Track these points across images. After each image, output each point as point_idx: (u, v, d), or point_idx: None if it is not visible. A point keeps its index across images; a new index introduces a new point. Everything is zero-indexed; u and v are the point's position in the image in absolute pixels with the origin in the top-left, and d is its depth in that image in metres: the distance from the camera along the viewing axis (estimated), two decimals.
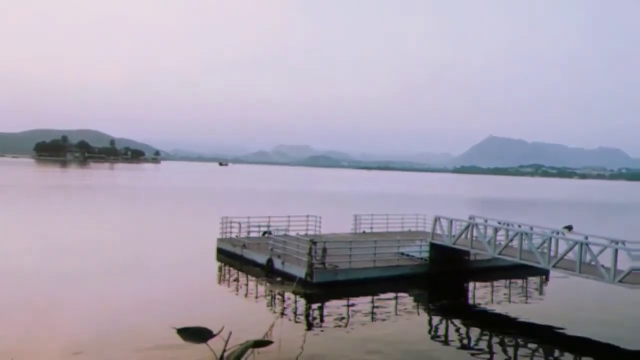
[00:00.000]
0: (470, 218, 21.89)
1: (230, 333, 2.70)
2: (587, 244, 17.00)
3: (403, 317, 16.61)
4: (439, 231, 22.33)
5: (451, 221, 21.94)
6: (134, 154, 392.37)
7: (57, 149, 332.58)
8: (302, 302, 17.72)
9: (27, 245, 26.50)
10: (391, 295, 19.28)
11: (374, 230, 30.89)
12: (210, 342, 3.19)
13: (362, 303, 18.10)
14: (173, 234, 33.27)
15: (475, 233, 20.77)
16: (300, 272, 19.48)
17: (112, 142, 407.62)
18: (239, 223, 25.85)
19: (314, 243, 19.59)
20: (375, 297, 18.83)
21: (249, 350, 3.08)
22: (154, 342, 12.56)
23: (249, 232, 25.96)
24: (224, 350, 2.91)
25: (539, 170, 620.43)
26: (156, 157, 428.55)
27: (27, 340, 12.55)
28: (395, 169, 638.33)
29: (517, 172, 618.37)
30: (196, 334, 3.14)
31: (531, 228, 21.37)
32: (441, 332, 15.71)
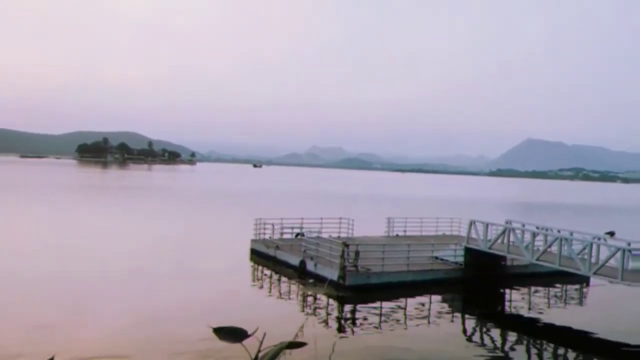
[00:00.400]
0: (506, 222, 21.42)
1: (265, 334, 2.73)
2: (629, 251, 16.37)
3: (437, 322, 16.39)
4: (474, 235, 21.93)
5: (487, 225, 21.51)
6: (171, 156, 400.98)
7: (98, 151, 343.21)
8: (334, 305, 17.71)
9: (61, 247, 27.44)
10: (425, 299, 19.05)
11: (408, 233, 30.59)
12: (245, 342, 3.22)
13: (395, 307, 17.96)
14: (208, 234, 33.84)
15: (512, 238, 20.29)
16: (332, 274, 19.49)
17: (150, 143, 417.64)
18: (272, 224, 26.06)
19: (347, 245, 19.56)
20: (409, 301, 18.64)
21: (283, 351, 3.09)
22: (190, 341, 12.79)
23: (282, 234, 26.15)
24: (259, 351, 2.93)
25: (579, 174, 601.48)
26: (192, 158, 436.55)
27: (69, 342, 12.96)
28: (429, 172, 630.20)
29: (556, 175, 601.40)
30: (231, 334, 3.16)
31: (571, 233, 20.71)
32: (476, 338, 15.42)
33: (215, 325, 3.24)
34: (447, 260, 22.23)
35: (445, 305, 19.12)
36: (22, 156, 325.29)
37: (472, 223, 22.01)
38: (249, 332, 3.19)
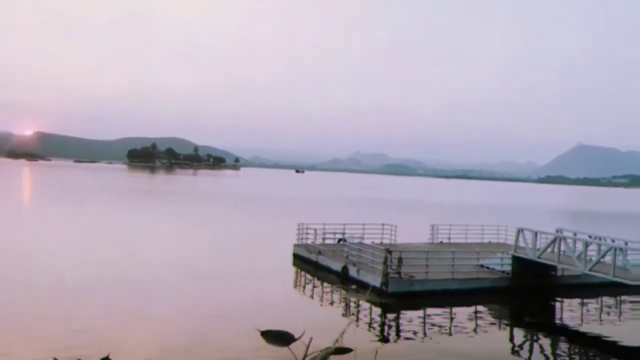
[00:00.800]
0: (557, 231, 20.65)
1: (312, 338, 2.73)
2: None
3: (483, 332, 15.96)
4: (522, 244, 21.26)
5: (536, 233, 20.81)
6: (216, 161, 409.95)
7: (146, 156, 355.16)
8: (377, 311, 17.56)
9: (112, 249, 28.46)
10: (470, 308, 18.59)
11: (452, 240, 29.97)
12: (292, 346, 3.22)
13: (439, 315, 17.62)
14: (252, 238, 34.32)
15: (562, 247, 19.54)
16: (375, 280, 19.34)
17: (196, 149, 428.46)
18: (315, 229, 26.15)
19: (390, 252, 19.37)
20: (454, 310, 18.24)
21: (329, 357, 3.07)
22: (236, 344, 13.00)
23: (324, 239, 26.19)
24: (306, 355, 2.93)
25: (635, 181, 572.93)
26: (236, 164, 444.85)
27: (119, 342, 13.41)
28: (475, 178, 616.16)
29: (609, 182, 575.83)
30: (279, 338, 3.18)
31: (626, 243, 19.74)
32: (524, 350, 14.91)
33: (263, 329, 3.29)
34: (493, 269, 21.64)
35: (492, 314, 18.60)
36: (77, 161, 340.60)
37: (519, 231, 21.35)
38: (296, 336, 3.22)
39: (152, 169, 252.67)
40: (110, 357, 3.04)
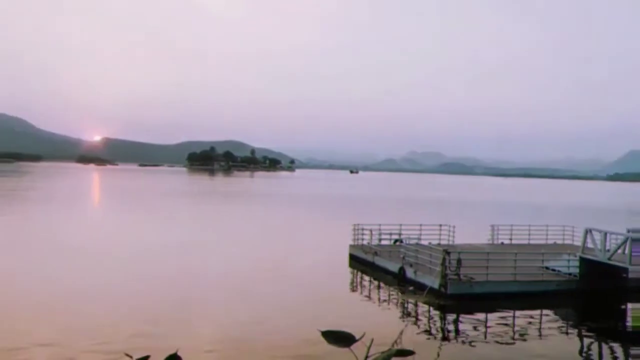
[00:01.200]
0: (628, 231, 19.49)
1: (372, 339, 2.74)
2: None
3: (548, 336, 15.32)
4: (590, 245, 20.21)
5: (605, 234, 19.72)
6: (271, 163, 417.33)
7: (205, 159, 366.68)
8: (436, 313, 17.27)
9: (171, 248, 29.57)
10: (534, 312, 17.90)
11: (514, 241, 28.95)
12: (352, 347, 3.25)
13: (501, 318, 17.08)
14: (307, 238, 34.66)
15: (634, 248, 18.39)
16: (433, 282, 19.01)
17: (253, 151, 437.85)
18: (370, 230, 26.04)
19: (448, 253, 18.98)
20: (516, 314, 17.62)
21: (391, 359, 3.07)
22: (296, 344, 13.19)
23: (380, 240, 26.02)
24: (367, 357, 2.96)
25: None
26: (291, 165, 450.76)
27: (172, 340, 13.93)
28: (536, 177, 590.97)
29: None
30: (340, 338, 3.21)
31: None
32: (593, 356, 14.17)
33: (323, 329, 3.32)
34: (559, 271, 20.72)
35: (558, 318, 17.81)
36: (141, 165, 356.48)
37: (587, 231, 20.31)
38: (357, 337, 3.24)
39: (211, 172, 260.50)
40: (178, 353, 3.17)
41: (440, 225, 28.26)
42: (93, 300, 16.96)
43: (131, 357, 3.02)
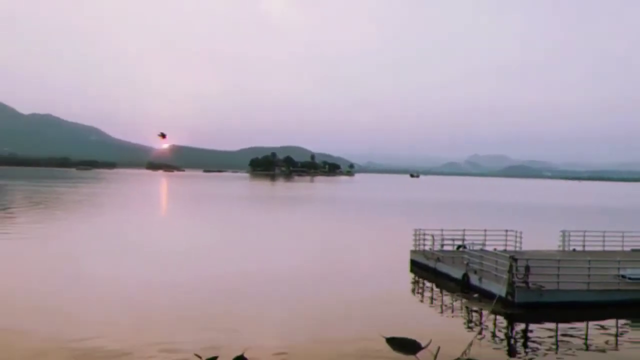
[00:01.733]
0: None
1: (439, 348, 2.67)
2: None
3: (624, 350, 14.33)
4: None
5: None
6: (331, 168, 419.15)
7: (267, 164, 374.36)
8: (502, 323, 16.63)
9: (233, 249, 30.30)
10: (610, 323, 16.81)
11: (587, 248, 27.38)
12: (418, 355, 3.19)
13: (573, 329, 16.16)
14: (367, 243, 34.47)
15: None
16: (499, 290, 18.31)
17: (312, 156, 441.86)
18: (432, 235, 25.52)
19: (515, 260, 18.23)
20: (590, 325, 16.63)
21: None
22: (357, 349, 13.14)
23: (442, 245, 25.49)
24: None
25: None
26: (350, 169, 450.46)
27: (238, 341, 14.23)
28: (612, 180, 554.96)
29: None
30: (405, 345, 3.16)
31: None
32: None
33: (387, 335, 3.27)
34: (636, 280, 19.34)
35: (635, 330, 16.62)
36: (206, 170, 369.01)
37: None
38: (423, 345, 3.16)
39: (272, 177, 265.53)
40: (244, 355, 3.23)
41: (506, 231, 27.22)
42: (161, 298, 17.71)
43: (200, 357, 3.10)
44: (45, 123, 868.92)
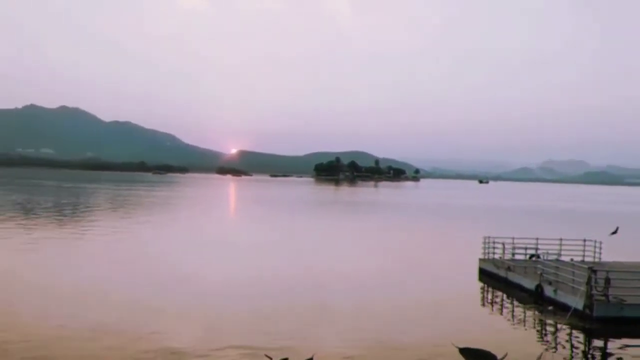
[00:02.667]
0: None
1: None
2: None
3: None
4: None
5: None
6: (396, 173, 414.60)
7: (331, 169, 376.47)
8: (579, 337, 15.76)
9: (299, 252, 30.70)
10: None
11: None
12: None
13: None
14: (434, 250, 33.80)
15: None
16: (576, 302, 17.38)
17: (377, 162, 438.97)
18: (503, 243, 24.67)
19: (594, 271, 17.24)
20: None
21: None
22: (425, 356, 12.99)
23: (513, 254, 24.58)
24: None
25: None
26: (416, 175, 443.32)
27: (315, 344, 14.44)
28: None
29: None
30: (480, 357, 3.13)
31: None
32: None
33: (460, 345, 3.25)
34: None
35: None
36: (272, 175, 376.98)
37: None
38: (499, 357, 3.12)
39: (336, 182, 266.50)
40: (314, 358, 3.33)
41: (584, 240, 25.77)
42: (233, 298, 18.35)
43: (271, 358, 3.25)
44: (125, 130, 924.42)
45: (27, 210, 51.07)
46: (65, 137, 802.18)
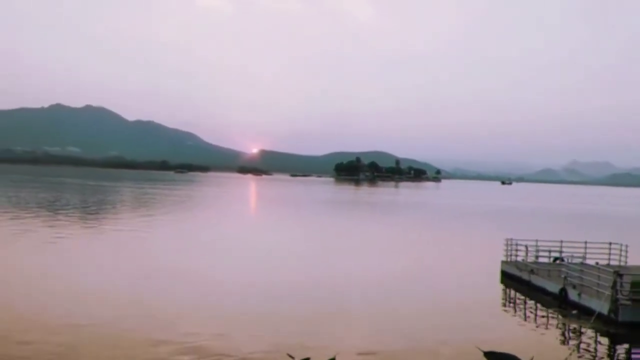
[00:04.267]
0: None
1: None
2: None
3: None
4: None
5: None
6: (417, 173, 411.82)
7: (351, 169, 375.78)
8: (604, 342, 15.48)
9: (318, 252, 30.75)
10: None
11: None
12: None
13: None
14: (456, 252, 33.53)
15: None
16: (601, 306, 17.08)
17: (397, 162, 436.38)
18: (526, 246, 24.34)
19: (620, 275, 16.92)
20: None
21: None
22: (448, 358, 12.94)
23: (536, 257, 24.24)
24: None
25: None
26: (437, 175, 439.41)
27: (327, 343, 14.49)
28: None
29: None
30: None
31: None
32: None
33: (485, 349, 3.28)
34: None
35: None
36: (292, 175, 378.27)
37: None
38: None
39: (357, 182, 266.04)
40: (336, 358, 3.39)
41: (610, 243, 25.27)
42: (255, 297, 18.52)
43: (293, 357, 3.32)
44: (148, 129, 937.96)
45: (52, 208, 52.28)
46: (90, 136, 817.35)
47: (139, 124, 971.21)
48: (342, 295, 19.86)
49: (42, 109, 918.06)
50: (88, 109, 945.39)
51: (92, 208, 55.00)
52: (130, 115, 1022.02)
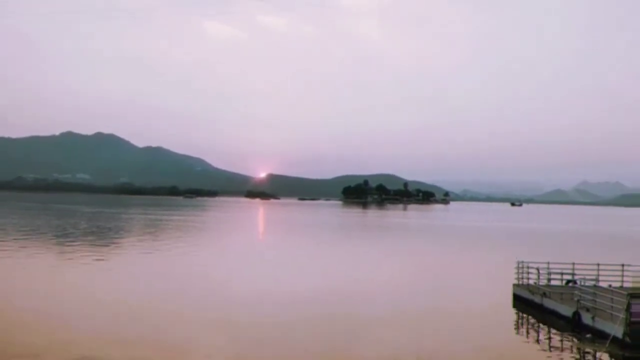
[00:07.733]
0: None
1: None
2: None
3: None
4: None
5: None
6: (425, 196, 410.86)
7: (359, 192, 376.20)
8: None
9: (327, 276, 30.65)
10: None
11: None
12: None
13: None
14: (466, 275, 33.26)
15: None
16: (615, 330, 16.85)
17: (406, 184, 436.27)
18: (537, 269, 24.14)
19: (634, 297, 16.73)
20: None
21: None
22: None
23: (549, 280, 23.99)
24: None
25: None
26: (445, 197, 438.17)
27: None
28: None
29: None
30: None
31: None
32: None
33: None
34: None
35: None
36: (300, 198, 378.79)
37: None
38: None
39: (364, 205, 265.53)
40: None
41: (623, 265, 24.99)
42: (274, 313, 18.49)
43: None
44: (157, 155, 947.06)
45: (61, 235, 52.61)
46: (101, 163, 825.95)
47: (148, 150, 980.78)
48: (351, 318, 19.74)
49: (53, 137, 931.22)
50: (98, 136, 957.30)
51: (110, 234, 55.33)
52: (139, 142, 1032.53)
